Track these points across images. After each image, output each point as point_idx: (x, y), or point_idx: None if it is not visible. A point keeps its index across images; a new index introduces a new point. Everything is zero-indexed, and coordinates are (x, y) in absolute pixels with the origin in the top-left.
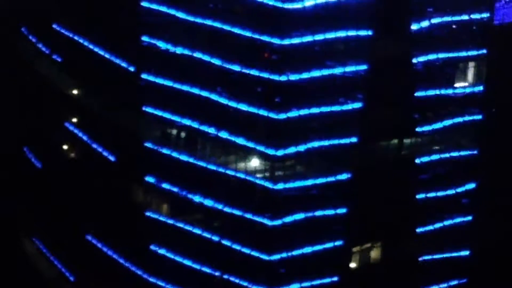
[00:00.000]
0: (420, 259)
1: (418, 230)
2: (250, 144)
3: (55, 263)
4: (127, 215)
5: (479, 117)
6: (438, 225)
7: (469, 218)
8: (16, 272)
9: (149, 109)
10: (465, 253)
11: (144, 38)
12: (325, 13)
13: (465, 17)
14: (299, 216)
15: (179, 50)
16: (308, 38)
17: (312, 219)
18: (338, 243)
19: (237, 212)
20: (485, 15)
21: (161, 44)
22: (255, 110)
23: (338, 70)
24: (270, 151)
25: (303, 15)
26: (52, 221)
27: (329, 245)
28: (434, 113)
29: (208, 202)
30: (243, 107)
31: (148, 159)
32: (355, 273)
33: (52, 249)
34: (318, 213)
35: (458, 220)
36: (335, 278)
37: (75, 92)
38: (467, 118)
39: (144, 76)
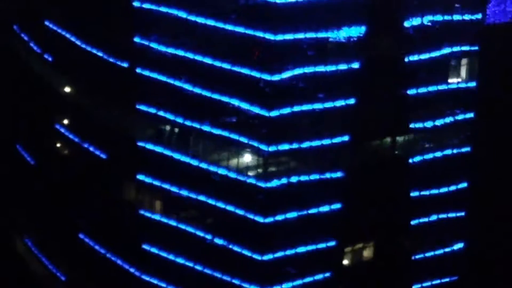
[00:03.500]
0: (413, 256)
1: (411, 227)
2: (243, 139)
3: (46, 263)
4: (119, 213)
5: (472, 114)
6: (431, 223)
7: (462, 213)
8: (8, 272)
9: (142, 107)
10: (459, 247)
11: (137, 38)
12: (318, 9)
13: (457, 17)
14: (292, 214)
15: (171, 49)
16: (300, 34)
17: (305, 217)
18: (331, 241)
19: (229, 210)
20: (477, 16)
21: (154, 44)
22: (248, 107)
23: (330, 67)
24: (263, 147)
25: (295, 11)
26: (44, 220)
27: (322, 243)
28: (427, 110)
29: (200, 200)
30: (236, 104)
31: (140, 157)
32: (348, 270)
33: (44, 248)
34: (312, 211)
35: (451, 216)
36: (328, 276)
37: (67, 90)
38: (459, 115)
39: (137, 73)
